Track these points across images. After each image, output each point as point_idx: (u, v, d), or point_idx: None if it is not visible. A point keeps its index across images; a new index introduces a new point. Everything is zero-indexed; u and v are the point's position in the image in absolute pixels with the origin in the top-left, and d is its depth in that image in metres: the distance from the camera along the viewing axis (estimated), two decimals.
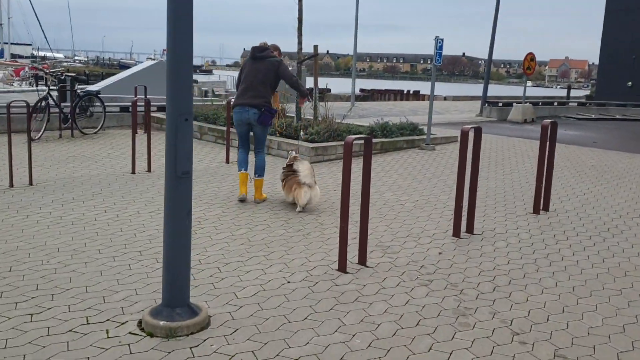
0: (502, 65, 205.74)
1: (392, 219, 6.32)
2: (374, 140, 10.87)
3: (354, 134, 10.80)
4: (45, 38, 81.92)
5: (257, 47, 6.93)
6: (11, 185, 7.27)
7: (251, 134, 6.98)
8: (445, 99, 36.39)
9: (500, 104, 19.93)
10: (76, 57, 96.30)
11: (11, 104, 7.59)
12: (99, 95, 13.01)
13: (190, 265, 3.68)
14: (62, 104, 12.01)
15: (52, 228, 5.59)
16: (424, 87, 58.85)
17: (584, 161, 10.96)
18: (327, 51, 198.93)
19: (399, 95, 42.40)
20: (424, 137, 11.73)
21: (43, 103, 11.40)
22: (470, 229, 5.91)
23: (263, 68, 6.74)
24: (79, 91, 12.37)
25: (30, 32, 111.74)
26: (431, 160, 10.22)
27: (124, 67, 62.59)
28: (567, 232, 6.08)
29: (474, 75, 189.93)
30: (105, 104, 13.37)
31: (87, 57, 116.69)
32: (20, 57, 59.94)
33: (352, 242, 5.21)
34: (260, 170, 6.92)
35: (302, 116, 11.55)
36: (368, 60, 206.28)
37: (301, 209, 6.48)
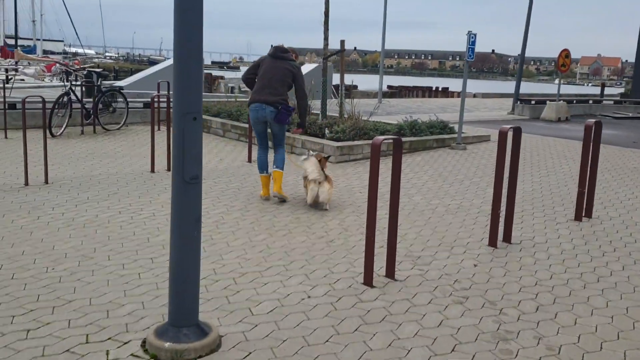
0: (532, 63, 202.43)
1: (422, 226, 5.89)
2: (403, 139, 10.42)
3: (382, 133, 10.39)
4: (77, 35, 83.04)
5: (280, 47, 6.75)
6: (26, 183, 7.04)
7: (269, 130, 6.79)
8: (474, 96, 35.61)
9: (533, 102, 19.25)
10: (107, 54, 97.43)
11: (26, 99, 7.36)
12: (122, 91, 12.81)
13: (200, 280, 3.32)
14: (85, 100, 11.84)
15: (63, 231, 5.31)
16: (452, 84, 57.93)
17: (624, 163, 10.35)
18: (355, 47, 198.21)
19: (427, 92, 41.69)
20: (455, 136, 11.24)
21: (65, 99, 11.23)
22: (507, 238, 5.46)
23: (282, 68, 6.58)
24: (102, 87, 12.17)
25: (62, 29, 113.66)
26: (463, 161, 9.73)
27: (153, 63, 63.05)
28: (614, 243, 5.59)
29: (503, 73, 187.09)
30: (132, 99, 13.17)
31: (118, 54, 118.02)
32: (52, 53, 60.83)
33: (378, 251, 4.81)
34: (279, 163, 6.71)
35: (327, 113, 11.17)
36: (396, 57, 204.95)
37: (310, 202, 6.33)
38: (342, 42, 11.30)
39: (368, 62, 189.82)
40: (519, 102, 19.05)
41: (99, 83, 12.16)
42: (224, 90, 31.91)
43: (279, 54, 6.66)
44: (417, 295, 4.08)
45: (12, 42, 46.32)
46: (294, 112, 6.76)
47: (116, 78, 39.64)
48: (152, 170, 8.06)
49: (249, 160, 9.09)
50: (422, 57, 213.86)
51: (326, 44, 11.07)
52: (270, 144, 6.94)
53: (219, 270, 4.45)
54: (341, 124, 10.26)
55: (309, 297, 3.99)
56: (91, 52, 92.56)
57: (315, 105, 12.34)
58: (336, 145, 9.36)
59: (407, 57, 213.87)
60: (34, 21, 63.26)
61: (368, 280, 4.23)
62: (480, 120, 16.45)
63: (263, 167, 6.79)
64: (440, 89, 42.70)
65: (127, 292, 3.98)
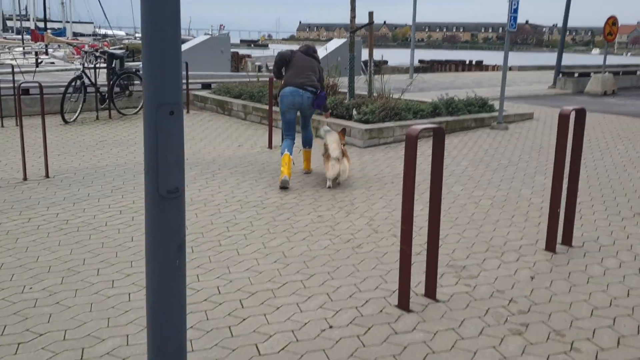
0: (568, 33, 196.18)
1: (465, 224, 5.08)
2: (439, 119, 9.54)
3: (415, 113, 9.51)
4: (105, 16, 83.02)
5: (311, 47, 6.97)
6: (25, 178, 6.44)
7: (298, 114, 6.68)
8: (510, 69, 34.13)
9: (576, 75, 17.99)
10: (137, 34, 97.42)
11: (21, 85, 6.73)
12: (139, 73, 12.16)
13: (186, 326, 2.60)
14: (99, 84, 11.23)
15: (52, 236, 4.66)
16: (486, 57, 56.00)
17: None
18: (384, 21, 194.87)
19: (461, 66, 40.26)
20: (495, 114, 10.29)
21: (77, 82, 10.63)
22: (567, 240, 4.61)
23: (313, 62, 6.68)
24: (117, 69, 11.52)
25: (90, 10, 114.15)
26: (505, 143, 8.81)
27: (182, 42, 62.49)
28: None
29: (537, 44, 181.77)
30: None
31: None
32: (82, 35, 60.96)
33: (415, 259, 4.04)
34: (308, 143, 6.87)
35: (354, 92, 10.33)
36: (426, 30, 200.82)
37: (330, 183, 6.19)
38: (371, 13, 10.38)
39: (398, 36, 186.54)
40: (560, 75, 17.80)
41: (113, 65, 11.51)
42: (251, 69, 31.22)
43: (311, 52, 6.80)
44: (465, 323, 3.30)
45: (42, 25, 46.40)
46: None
47: (133, 59, 39.21)
48: None
49: (270, 146, 8.35)
50: (454, 30, 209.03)
51: (353, 16, 10.18)
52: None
53: (223, 288, 3.73)
54: (370, 104, 9.42)
55: (330, 327, 3.25)
56: (122, 33, 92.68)
57: (342, 83, 11.48)
58: (364, 127, 8.54)
59: (438, 29, 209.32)
60: (62, 3, 63.50)
61: (404, 303, 3.46)
62: (520, 96, 15.34)
63: (287, 147, 6.40)
64: (474, 63, 41.17)
65: (110, 321, 3.29)
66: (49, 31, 43.49)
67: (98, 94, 11.01)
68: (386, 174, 6.87)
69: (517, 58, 59.85)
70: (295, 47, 7.59)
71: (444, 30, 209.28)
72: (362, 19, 10.55)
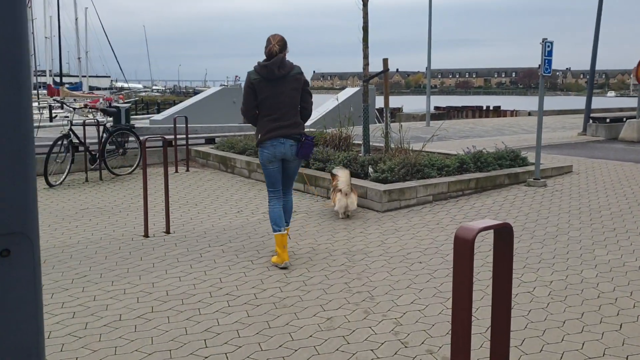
0: (582, 76, 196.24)
1: (522, 330, 3.81)
2: (467, 176, 8.35)
3: (439, 169, 8.33)
4: (121, 69, 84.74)
5: (273, 62, 5.03)
6: None
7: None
8: (529, 114, 33.13)
9: (607, 120, 16.79)
10: (154, 87, 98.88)
11: None
12: (134, 130, 11.21)
13: None
14: (89, 142, 10.27)
15: None
16: (501, 102, 55.20)
17: None
18: (397, 69, 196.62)
19: (478, 112, 39.28)
20: (529, 168, 9.10)
21: (65, 141, 9.66)
22: None
23: (287, 89, 5.14)
24: (107, 125, 10.57)
25: (107, 65, 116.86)
26: (547, 204, 7.56)
27: (198, 94, 62.84)
28: None
29: (551, 88, 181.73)
30: (152, 135, 11.60)
31: (165, 87, 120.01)
32: (97, 89, 61.66)
33: None
34: (287, 216, 5.48)
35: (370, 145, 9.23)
36: (439, 76, 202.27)
37: (342, 215, 6.73)
38: (385, 60, 9.37)
39: (411, 83, 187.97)
40: (591, 121, 16.61)
41: (105, 122, 10.58)
42: None
43: (277, 72, 5.04)
44: None
45: (59, 79, 47.00)
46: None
47: (158, 111, 39.03)
48: (146, 235, 6.25)
49: None
50: (467, 75, 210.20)
51: (366, 64, 9.19)
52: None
53: None
54: (388, 159, 8.29)
55: None
56: (139, 86, 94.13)
57: (355, 133, 10.42)
58: (383, 188, 7.37)
59: (450, 76, 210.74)
60: (79, 58, 64.60)
61: None
62: (550, 144, 14.12)
63: (280, 220, 5.24)
64: (491, 108, 40.19)
65: None
66: (65, 85, 43.70)
67: (88, 154, 10.04)
68: (411, 249, 5.65)
69: (533, 103, 59.03)
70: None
71: (457, 76, 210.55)
72: (374, 67, 9.58)
